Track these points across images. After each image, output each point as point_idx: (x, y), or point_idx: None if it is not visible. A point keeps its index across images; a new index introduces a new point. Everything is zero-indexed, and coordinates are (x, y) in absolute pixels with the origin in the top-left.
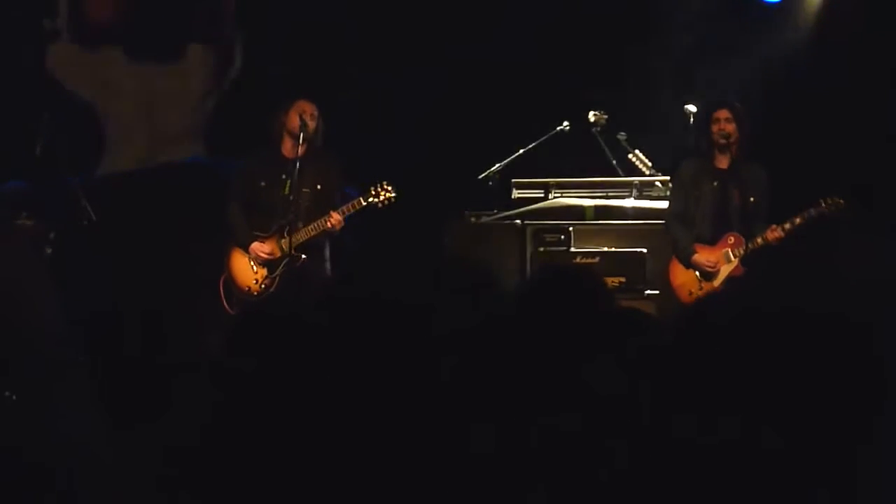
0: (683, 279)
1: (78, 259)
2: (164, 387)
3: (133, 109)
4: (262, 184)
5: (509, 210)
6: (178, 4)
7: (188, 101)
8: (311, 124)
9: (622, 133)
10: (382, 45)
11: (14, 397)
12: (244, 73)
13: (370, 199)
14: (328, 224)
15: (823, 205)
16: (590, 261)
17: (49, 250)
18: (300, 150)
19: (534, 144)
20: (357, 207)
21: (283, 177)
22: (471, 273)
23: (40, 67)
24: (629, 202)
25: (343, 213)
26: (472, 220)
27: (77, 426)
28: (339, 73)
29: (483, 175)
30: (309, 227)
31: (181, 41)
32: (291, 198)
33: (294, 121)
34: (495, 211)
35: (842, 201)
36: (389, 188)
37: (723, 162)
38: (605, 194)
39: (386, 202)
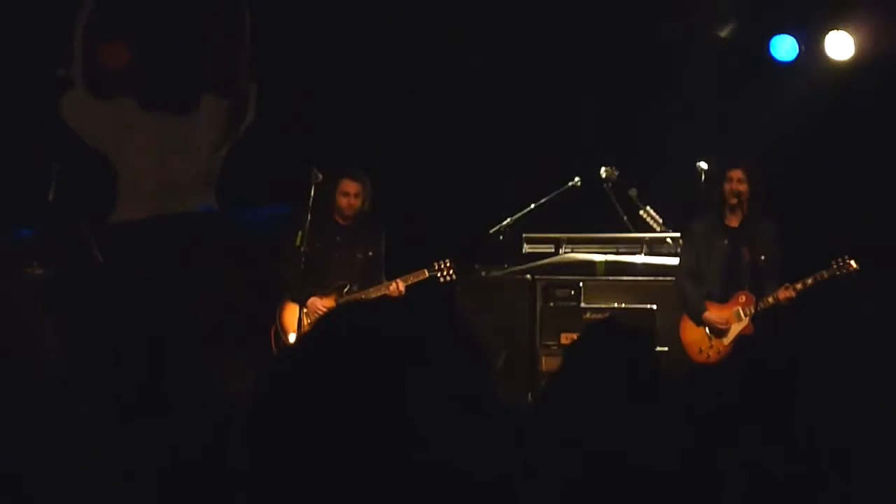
0: (693, 336)
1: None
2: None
3: (145, 158)
4: (318, 245)
5: (520, 265)
6: (192, 54)
7: (200, 151)
8: (357, 203)
9: (633, 189)
10: (395, 100)
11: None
12: (257, 124)
13: (435, 274)
14: (389, 289)
15: (835, 266)
16: (599, 317)
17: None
18: (342, 218)
19: (545, 199)
20: (420, 279)
21: (338, 240)
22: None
23: (54, 115)
24: (640, 258)
25: (407, 281)
26: (483, 274)
27: (75, 456)
28: (351, 130)
29: (495, 229)
30: (369, 291)
31: (195, 91)
32: (338, 257)
33: (342, 202)
34: (506, 265)
35: (853, 263)
36: (452, 269)
37: (734, 220)
38: (615, 250)
39: (448, 279)
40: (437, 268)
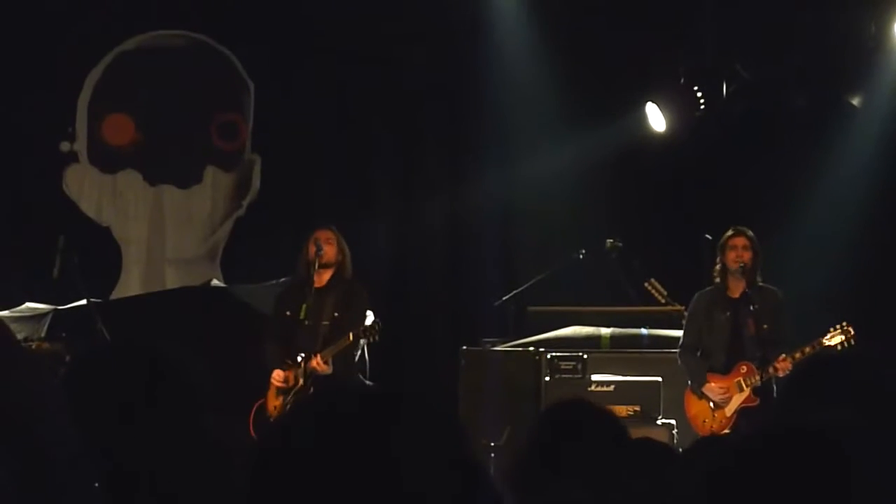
0: (697, 409)
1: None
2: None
3: (149, 233)
4: (288, 313)
5: (525, 337)
6: (196, 128)
7: (204, 226)
8: (327, 249)
9: (637, 260)
10: (403, 174)
11: None
12: (262, 198)
13: (360, 339)
14: (311, 365)
15: (833, 332)
16: (605, 389)
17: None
18: (321, 279)
19: (550, 271)
20: (345, 345)
21: (308, 303)
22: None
23: (59, 189)
24: (645, 330)
25: (327, 357)
26: (488, 347)
27: None
28: (360, 199)
29: (499, 301)
30: (308, 365)
31: (199, 165)
32: (308, 324)
33: (311, 250)
34: (511, 338)
35: (852, 330)
36: (376, 329)
37: (735, 290)
38: (620, 322)
39: (373, 338)
40: (363, 329)
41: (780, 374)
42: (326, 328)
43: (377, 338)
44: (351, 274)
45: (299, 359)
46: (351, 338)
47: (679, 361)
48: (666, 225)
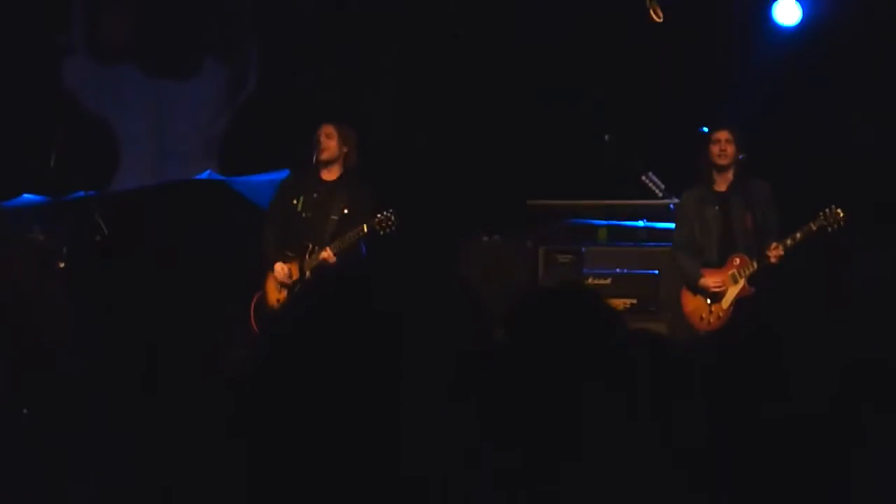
0: (694, 305)
1: (91, 274)
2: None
3: (146, 125)
4: (294, 202)
5: (522, 231)
6: (193, 21)
7: (202, 118)
8: (329, 144)
9: (635, 154)
10: (404, 69)
11: (27, 412)
12: (260, 90)
13: (374, 227)
14: (321, 257)
15: (822, 217)
16: (602, 282)
17: (62, 265)
18: (330, 173)
19: (549, 165)
20: (361, 235)
21: (314, 196)
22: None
23: (56, 81)
24: (642, 223)
25: (337, 247)
26: (486, 239)
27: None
28: (359, 92)
29: (499, 195)
30: (317, 255)
31: (196, 57)
32: (308, 216)
33: (314, 145)
34: (509, 231)
35: (841, 212)
36: (392, 219)
37: (722, 184)
38: (618, 215)
39: (387, 230)
40: (377, 220)
41: (774, 262)
42: (335, 223)
43: (393, 229)
44: (356, 166)
45: (308, 250)
46: (365, 229)
47: (672, 259)
48: (664, 119)
